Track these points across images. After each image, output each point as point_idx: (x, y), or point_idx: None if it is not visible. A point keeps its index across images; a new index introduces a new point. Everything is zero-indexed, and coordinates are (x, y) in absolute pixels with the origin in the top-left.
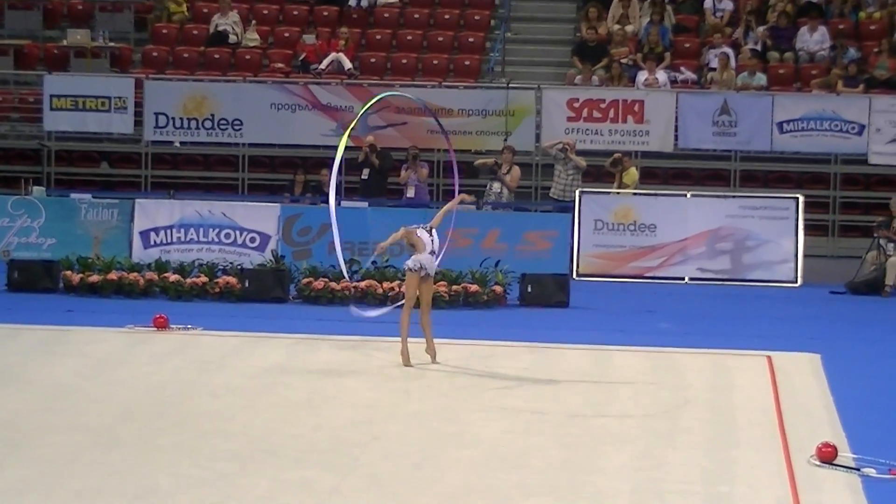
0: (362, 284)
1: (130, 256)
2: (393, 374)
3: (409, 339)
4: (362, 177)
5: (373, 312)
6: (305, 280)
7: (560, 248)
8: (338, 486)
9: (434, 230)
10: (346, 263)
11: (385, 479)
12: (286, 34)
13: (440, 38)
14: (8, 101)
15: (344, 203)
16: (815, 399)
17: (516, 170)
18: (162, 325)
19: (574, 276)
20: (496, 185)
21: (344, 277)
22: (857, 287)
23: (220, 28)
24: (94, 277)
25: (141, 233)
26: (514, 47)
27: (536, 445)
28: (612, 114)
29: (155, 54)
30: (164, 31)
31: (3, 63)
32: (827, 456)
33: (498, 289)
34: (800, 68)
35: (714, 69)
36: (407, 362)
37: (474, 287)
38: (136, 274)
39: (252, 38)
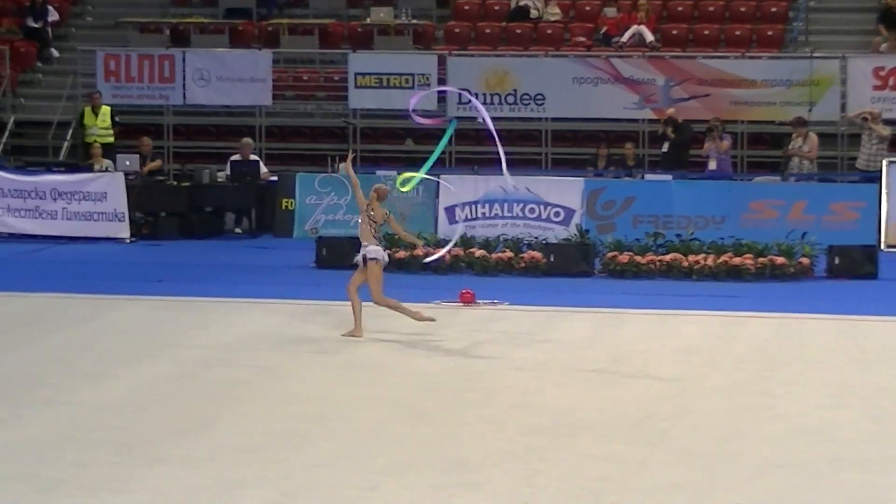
0: (667, 258)
1: (436, 232)
2: (699, 348)
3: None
4: (662, 149)
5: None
6: (610, 254)
7: (868, 219)
8: (646, 459)
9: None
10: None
11: (693, 453)
12: (587, 7)
13: (742, 9)
14: (314, 80)
15: (648, 176)
16: None
17: (813, 138)
18: (468, 300)
19: (882, 247)
20: (795, 159)
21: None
22: None
23: (522, 3)
24: (401, 253)
25: (446, 208)
26: (818, 16)
27: (846, 419)
28: None
29: (457, 30)
30: (466, 7)
31: (309, 42)
32: None
33: (805, 261)
34: None
35: None
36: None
37: (781, 259)
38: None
39: (553, 12)
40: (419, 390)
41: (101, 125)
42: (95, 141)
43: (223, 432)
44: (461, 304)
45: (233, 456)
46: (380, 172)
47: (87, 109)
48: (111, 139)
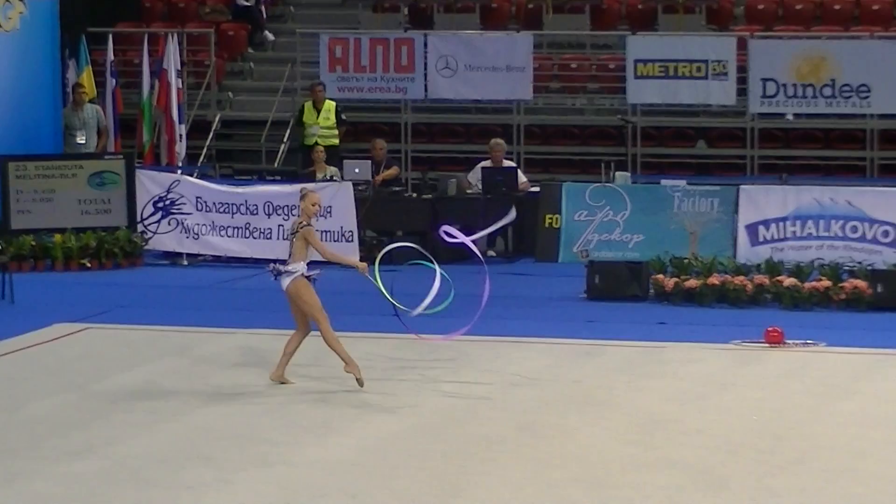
0: None
1: (735, 256)
2: None
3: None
4: None
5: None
6: None
7: None
8: None
9: None
10: None
11: None
12: None
13: None
14: (584, 69)
15: None
16: None
17: None
18: (776, 339)
19: None
20: None
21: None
22: None
23: None
24: (692, 282)
25: (747, 226)
26: None
27: None
28: None
29: (761, 7)
30: None
31: (578, 22)
32: None
33: None
34: None
35: None
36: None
37: None
38: (742, 277)
39: None
40: (716, 451)
41: (323, 124)
42: (317, 143)
43: (476, 501)
44: (767, 344)
45: None
46: (665, 181)
47: (308, 105)
48: (335, 141)
